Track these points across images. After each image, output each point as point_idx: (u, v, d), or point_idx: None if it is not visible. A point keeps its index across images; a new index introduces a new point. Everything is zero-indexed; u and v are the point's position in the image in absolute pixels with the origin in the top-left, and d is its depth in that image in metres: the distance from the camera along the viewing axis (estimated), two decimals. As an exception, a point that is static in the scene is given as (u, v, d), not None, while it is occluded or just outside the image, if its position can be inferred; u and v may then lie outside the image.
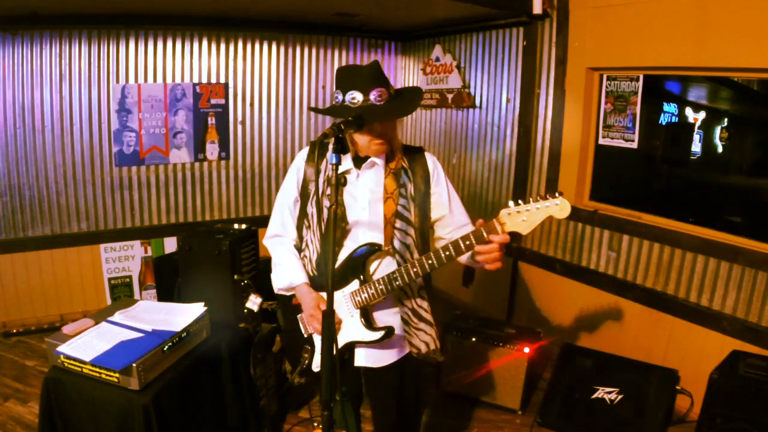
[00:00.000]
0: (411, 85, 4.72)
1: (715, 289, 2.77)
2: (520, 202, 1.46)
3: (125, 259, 4.12)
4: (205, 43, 4.12)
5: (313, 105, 4.61)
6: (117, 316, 2.09)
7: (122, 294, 4.12)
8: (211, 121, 4.26)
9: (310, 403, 2.94)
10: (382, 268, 1.72)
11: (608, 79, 3.22)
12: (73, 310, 3.97)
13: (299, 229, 1.82)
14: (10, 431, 2.66)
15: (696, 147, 3.59)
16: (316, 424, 2.76)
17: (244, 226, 2.70)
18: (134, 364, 1.77)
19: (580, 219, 3.40)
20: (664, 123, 3.54)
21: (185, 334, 2.04)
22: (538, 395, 3.02)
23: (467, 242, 1.50)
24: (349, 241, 1.72)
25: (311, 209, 1.74)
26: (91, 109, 3.85)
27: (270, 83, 4.42)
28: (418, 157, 1.77)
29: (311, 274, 1.78)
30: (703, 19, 2.64)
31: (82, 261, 3.99)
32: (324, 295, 1.74)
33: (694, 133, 3.60)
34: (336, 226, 1.67)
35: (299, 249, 1.84)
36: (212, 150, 4.30)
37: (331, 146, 1.41)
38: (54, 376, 1.88)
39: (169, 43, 3.99)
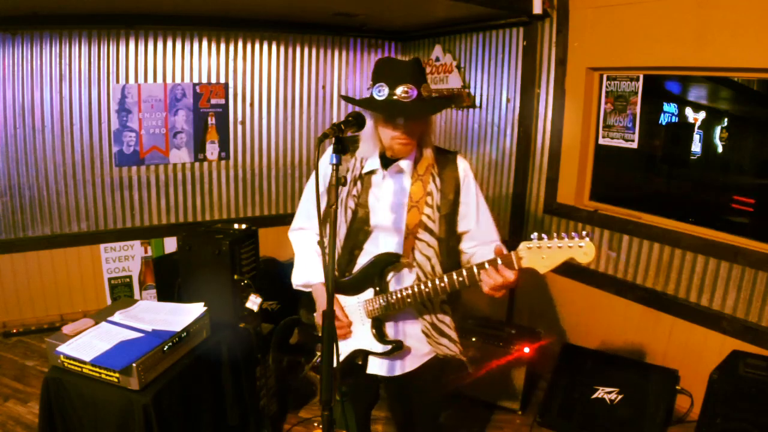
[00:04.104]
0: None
1: (715, 289, 2.77)
2: (543, 236, 1.36)
3: (125, 259, 4.12)
4: (205, 43, 4.11)
5: (312, 105, 4.61)
6: (117, 316, 2.09)
7: (122, 294, 4.12)
8: (211, 121, 4.25)
9: (310, 402, 2.95)
10: (400, 279, 1.67)
11: (608, 79, 3.22)
12: (73, 310, 3.96)
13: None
14: (10, 431, 2.66)
15: (696, 147, 3.57)
16: (316, 424, 2.77)
17: (244, 226, 2.69)
18: (134, 364, 1.77)
19: (580, 219, 3.39)
20: (664, 123, 3.52)
21: (185, 334, 2.04)
22: (538, 395, 3.02)
23: (481, 271, 1.47)
24: (370, 245, 1.67)
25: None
26: (91, 109, 3.85)
27: (270, 83, 4.42)
28: (449, 162, 1.67)
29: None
30: (704, 19, 2.64)
31: (82, 261, 3.98)
32: (340, 297, 1.72)
33: (694, 133, 3.59)
34: (359, 229, 1.65)
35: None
36: (212, 150, 4.30)
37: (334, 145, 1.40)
38: (54, 376, 1.88)
39: (169, 43, 3.99)
